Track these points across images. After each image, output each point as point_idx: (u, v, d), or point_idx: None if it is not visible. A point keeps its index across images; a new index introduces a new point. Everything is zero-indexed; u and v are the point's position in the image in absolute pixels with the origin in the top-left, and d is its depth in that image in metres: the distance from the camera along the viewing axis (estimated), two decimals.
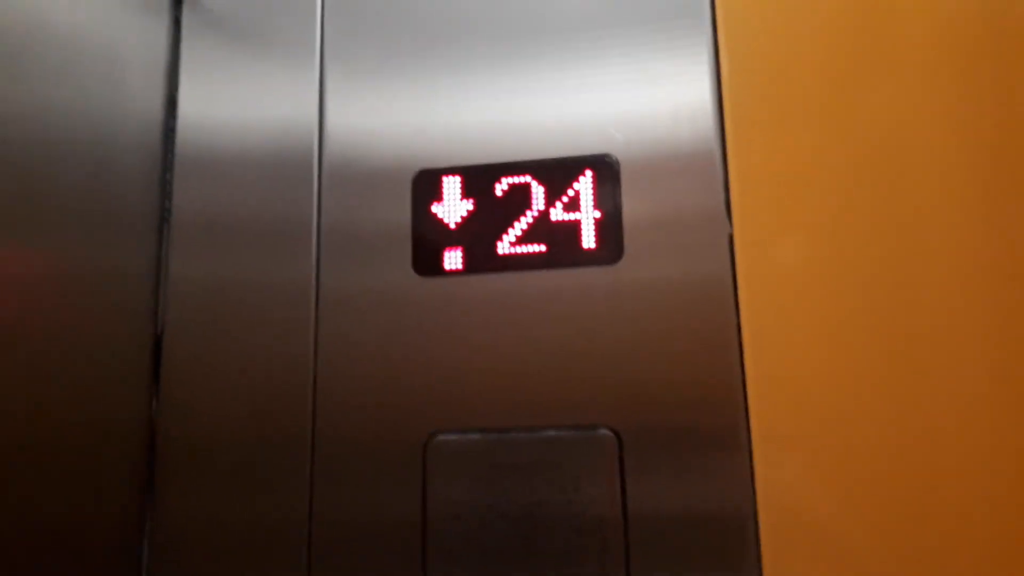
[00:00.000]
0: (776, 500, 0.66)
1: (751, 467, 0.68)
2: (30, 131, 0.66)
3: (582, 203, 0.76)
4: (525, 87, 0.80)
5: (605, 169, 0.76)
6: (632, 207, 0.75)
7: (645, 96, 0.77)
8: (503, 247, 0.76)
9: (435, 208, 0.78)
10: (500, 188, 0.78)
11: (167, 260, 0.81)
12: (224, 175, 0.82)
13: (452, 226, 0.78)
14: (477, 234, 0.77)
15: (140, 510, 0.75)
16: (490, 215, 0.77)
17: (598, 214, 0.76)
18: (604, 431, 0.71)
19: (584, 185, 0.76)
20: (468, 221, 0.78)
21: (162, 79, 0.85)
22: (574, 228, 0.76)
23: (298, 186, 0.81)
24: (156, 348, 0.79)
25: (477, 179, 0.78)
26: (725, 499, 0.68)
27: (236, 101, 0.84)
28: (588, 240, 0.75)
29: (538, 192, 0.77)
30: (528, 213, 0.77)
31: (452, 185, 0.79)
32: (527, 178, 0.78)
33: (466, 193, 0.78)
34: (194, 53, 0.86)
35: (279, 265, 0.79)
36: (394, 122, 0.81)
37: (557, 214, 0.76)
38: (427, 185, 0.79)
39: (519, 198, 0.77)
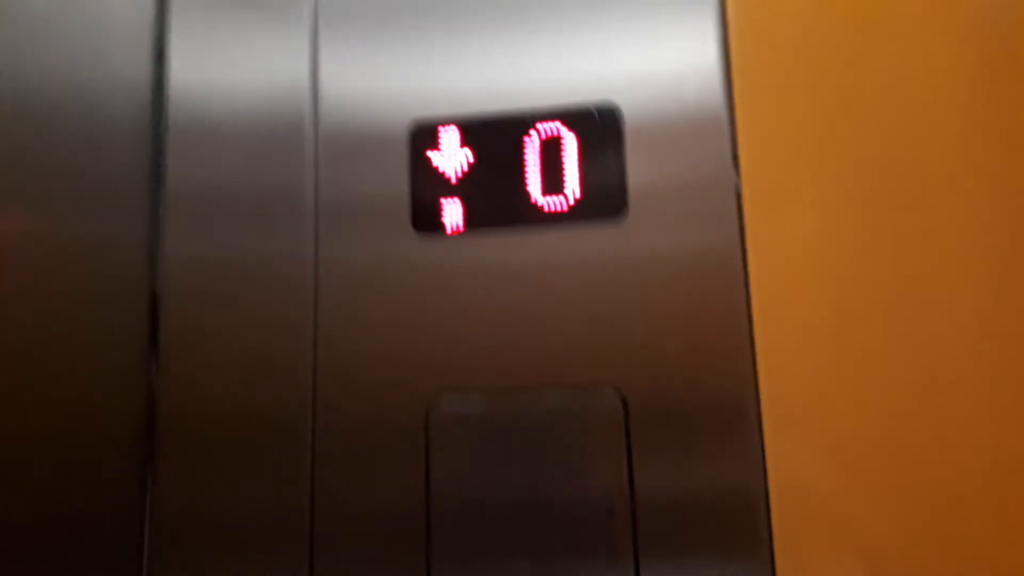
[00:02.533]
0: (787, 479, 0.65)
1: (761, 444, 0.66)
2: (13, 97, 0.65)
3: (584, 155, 0.74)
4: (524, 42, 0.77)
5: (607, 118, 0.74)
6: (636, 164, 0.72)
7: (649, 53, 0.74)
8: (504, 203, 0.74)
9: (434, 162, 0.76)
10: (500, 140, 0.75)
11: (162, 228, 0.79)
12: (217, 140, 0.80)
13: (452, 181, 0.76)
14: (477, 189, 0.75)
15: (140, 487, 0.74)
16: (490, 169, 0.75)
17: (600, 166, 0.73)
18: (610, 399, 0.70)
19: (586, 135, 0.74)
20: (468, 175, 0.76)
21: (150, 41, 0.82)
22: (575, 181, 0.73)
23: (293, 149, 0.79)
24: (153, 319, 0.78)
25: (476, 130, 0.76)
26: (735, 476, 0.66)
27: (228, 63, 0.81)
28: (590, 194, 0.73)
29: (539, 144, 0.75)
30: (529, 166, 0.75)
31: (450, 137, 0.76)
32: (526, 128, 0.75)
33: (465, 145, 0.76)
34: (183, 12, 0.83)
35: (276, 232, 0.77)
36: (389, 78, 0.79)
37: (558, 166, 0.74)
38: (424, 137, 0.77)
39: (520, 150, 0.75)
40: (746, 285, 0.68)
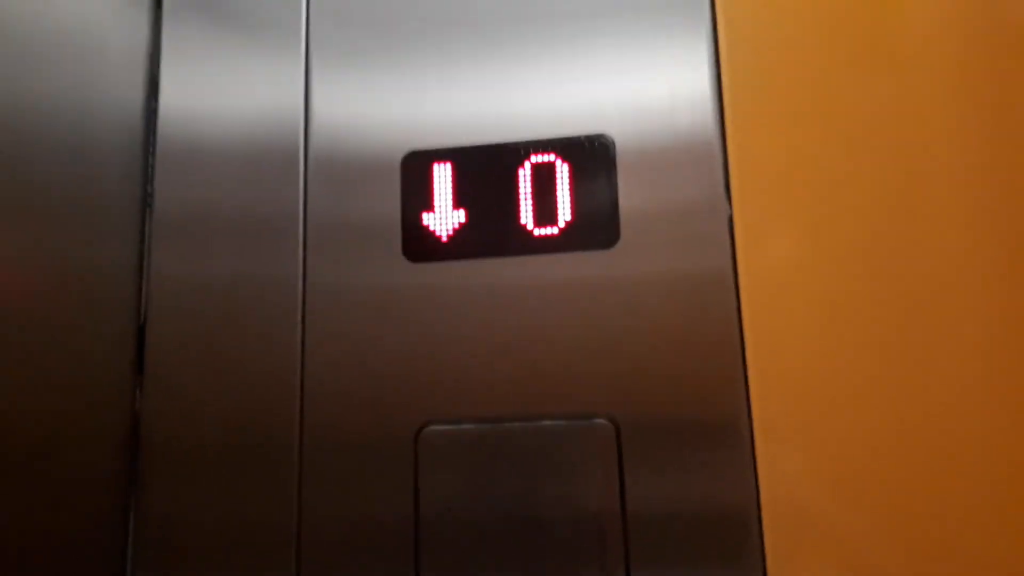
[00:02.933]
0: (779, 494, 0.65)
1: (753, 460, 0.66)
2: (3, 119, 0.64)
3: (576, 185, 0.74)
4: (517, 72, 0.78)
5: (600, 150, 0.75)
6: (628, 192, 0.73)
7: (642, 81, 0.75)
8: (495, 230, 0.75)
9: (425, 191, 0.76)
10: (492, 170, 0.76)
11: (149, 251, 0.79)
12: (207, 164, 0.80)
13: (444, 209, 0.76)
14: (469, 218, 0.75)
15: (124, 506, 0.74)
16: (482, 198, 0.75)
17: (593, 196, 0.74)
18: (601, 421, 0.70)
19: (578, 165, 0.74)
20: (459, 205, 0.76)
21: (143, 65, 0.82)
22: (567, 210, 0.74)
23: (283, 175, 0.79)
24: (139, 341, 0.77)
25: (468, 161, 0.76)
26: (727, 493, 0.67)
27: (219, 88, 0.82)
28: (583, 224, 0.73)
29: (530, 174, 0.75)
30: (521, 195, 0.75)
31: (443, 168, 0.77)
32: (520, 159, 0.76)
33: (457, 176, 0.76)
34: (176, 38, 0.83)
35: (264, 256, 0.77)
36: (382, 108, 0.79)
37: (551, 197, 0.74)
38: (416, 168, 0.77)
39: (512, 180, 0.75)
40: (738, 309, 0.69)
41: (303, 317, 0.75)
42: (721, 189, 0.72)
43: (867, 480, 0.64)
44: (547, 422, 0.70)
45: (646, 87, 0.75)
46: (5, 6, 0.64)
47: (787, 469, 0.66)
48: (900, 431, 0.65)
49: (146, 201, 0.80)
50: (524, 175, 0.75)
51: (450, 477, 0.70)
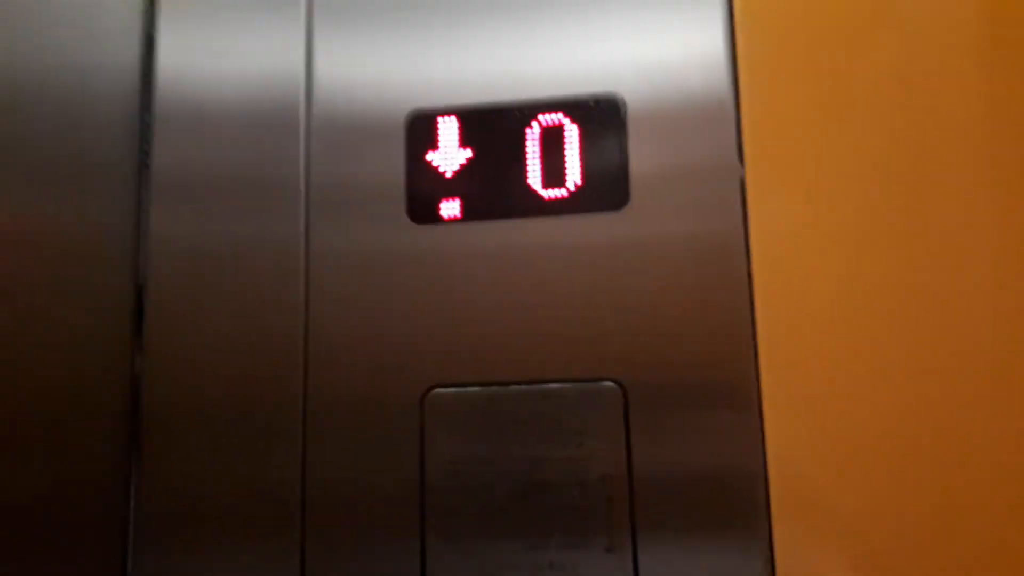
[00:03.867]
0: (786, 461, 0.65)
1: (761, 427, 0.66)
2: None
3: (584, 145, 0.73)
4: (526, 31, 0.76)
5: (610, 110, 0.73)
6: (639, 153, 0.72)
7: (653, 41, 0.74)
8: (502, 192, 0.73)
9: (431, 151, 0.75)
10: (499, 130, 0.75)
11: (147, 214, 0.77)
12: (206, 125, 0.78)
13: (449, 171, 0.75)
14: (475, 178, 0.74)
15: (125, 472, 0.73)
16: (489, 159, 0.74)
17: (603, 158, 0.72)
18: (609, 384, 0.69)
19: (588, 126, 0.73)
20: (466, 165, 0.74)
21: (139, 21, 0.81)
22: (576, 172, 0.73)
23: (284, 136, 0.77)
24: (138, 305, 0.76)
25: (475, 120, 0.75)
26: (734, 459, 0.66)
27: (218, 47, 0.80)
28: (592, 185, 0.72)
29: (539, 134, 0.74)
30: (529, 156, 0.74)
31: (448, 127, 0.75)
32: (528, 119, 0.74)
33: (463, 135, 0.75)
34: None
35: (266, 218, 0.76)
36: (386, 67, 0.77)
37: (558, 157, 0.73)
38: (422, 126, 0.76)
39: (519, 140, 0.74)
40: (748, 274, 0.68)
41: (306, 280, 0.74)
42: (733, 151, 0.71)
43: (874, 449, 0.64)
44: (554, 385, 0.70)
45: (658, 47, 0.74)
46: None
47: (794, 437, 0.65)
48: (910, 402, 0.64)
49: (144, 162, 0.79)
50: (532, 135, 0.74)
51: (456, 441, 0.70)
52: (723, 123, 0.71)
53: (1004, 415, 0.63)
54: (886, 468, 0.64)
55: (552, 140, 0.73)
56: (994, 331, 0.64)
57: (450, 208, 0.74)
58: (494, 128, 0.75)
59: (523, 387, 0.70)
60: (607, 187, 0.72)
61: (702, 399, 0.68)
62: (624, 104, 0.73)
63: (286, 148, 0.77)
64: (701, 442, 0.67)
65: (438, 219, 0.74)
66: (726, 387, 0.67)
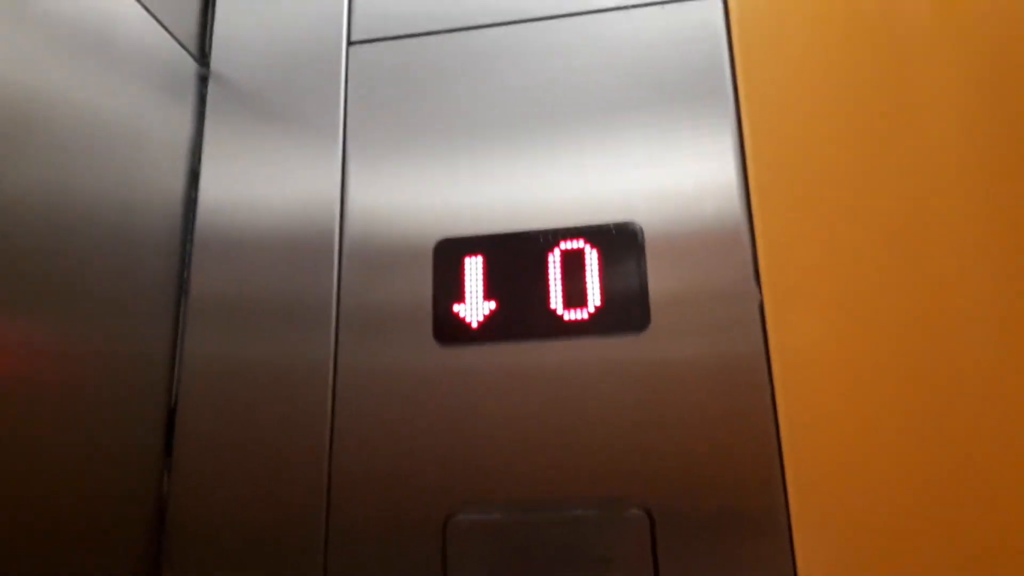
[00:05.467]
0: None
1: (792, 552, 0.64)
2: (51, 208, 0.67)
3: (605, 270, 0.75)
4: (546, 164, 0.80)
5: (628, 236, 0.76)
6: (658, 278, 0.74)
7: (668, 170, 0.77)
8: (526, 316, 0.75)
9: (456, 277, 0.77)
10: (522, 256, 0.77)
11: (183, 337, 0.80)
12: (243, 253, 0.82)
13: (474, 295, 0.77)
14: (499, 303, 0.76)
15: None
16: (512, 284, 0.76)
17: (623, 282, 0.74)
18: (636, 511, 0.68)
19: (608, 252, 0.75)
20: (490, 290, 0.77)
21: (185, 157, 0.86)
22: (598, 296, 0.74)
23: (318, 264, 0.80)
24: (169, 425, 0.77)
25: (498, 248, 0.78)
26: None
27: (258, 180, 0.85)
28: (612, 307, 0.74)
29: (560, 259, 0.76)
30: (551, 281, 0.76)
31: (474, 255, 0.78)
32: (550, 246, 0.77)
33: (488, 262, 0.77)
34: (218, 131, 0.87)
35: (296, 343, 0.78)
36: (415, 198, 0.81)
37: (580, 281, 0.75)
38: (448, 254, 0.78)
39: (541, 266, 0.76)
40: (772, 395, 0.68)
41: (333, 401, 0.76)
42: (750, 274, 0.72)
43: (909, 572, 0.62)
44: (579, 511, 0.69)
45: (672, 176, 0.77)
46: (54, 99, 0.68)
47: (826, 563, 0.63)
48: (943, 520, 0.62)
49: (182, 287, 0.82)
50: (554, 261, 0.76)
51: (478, 567, 0.68)
52: (739, 247, 0.73)
53: None
54: None
55: (573, 265, 0.76)
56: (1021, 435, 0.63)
57: (475, 331, 0.75)
58: (517, 254, 0.77)
59: (547, 513, 0.69)
60: (627, 310, 0.73)
61: (731, 525, 0.66)
62: (642, 231, 0.76)
63: (319, 273, 0.80)
64: (732, 567, 0.65)
65: (463, 341, 0.75)
66: (755, 513, 0.66)
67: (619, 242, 0.76)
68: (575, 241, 0.76)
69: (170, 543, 0.74)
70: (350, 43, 0.89)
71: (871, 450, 0.65)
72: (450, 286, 0.77)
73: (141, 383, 0.76)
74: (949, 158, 0.71)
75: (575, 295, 0.75)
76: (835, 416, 0.66)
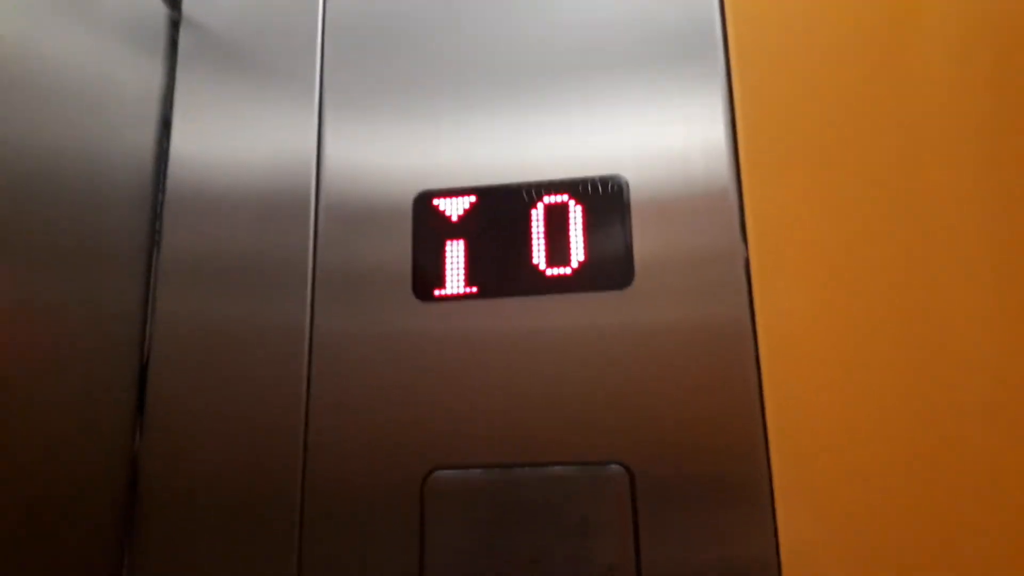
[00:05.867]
0: (800, 552, 0.63)
1: (773, 516, 0.64)
2: (16, 161, 0.64)
3: (589, 225, 0.74)
4: (531, 119, 0.78)
5: (614, 191, 0.74)
6: (643, 235, 0.73)
7: (656, 127, 0.76)
8: (507, 271, 0.74)
9: (437, 232, 0.76)
10: (505, 210, 0.75)
11: (155, 294, 0.78)
12: (217, 209, 0.80)
13: (456, 250, 0.75)
14: (480, 258, 0.74)
15: (119, 554, 0.71)
16: (494, 238, 0.75)
17: (607, 238, 0.73)
18: (615, 467, 0.67)
19: (592, 207, 0.74)
20: (471, 245, 0.75)
21: (156, 107, 0.83)
22: (580, 251, 0.73)
23: (294, 220, 0.78)
24: (141, 382, 0.76)
25: (480, 201, 0.76)
26: (747, 549, 0.64)
27: (232, 132, 0.82)
28: (596, 263, 0.72)
29: (544, 215, 0.75)
30: (534, 236, 0.74)
31: (455, 207, 0.76)
32: (533, 200, 0.75)
33: (469, 216, 0.76)
34: (190, 80, 0.84)
35: (271, 301, 0.76)
36: (396, 153, 0.79)
37: (563, 237, 0.74)
38: (428, 207, 0.77)
39: (524, 221, 0.75)
40: (756, 357, 0.67)
41: (310, 358, 0.74)
42: (737, 235, 0.71)
43: (888, 537, 0.62)
44: (558, 468, 0.68)
45: (661, 132, 0.75)
46: (18, 48, 0.65)
47: (807, 525, 0.63)
48: (923, 486, 0.63)
49: (154, 243, 0.80)
50: (537, 215, 0.75)
51: (458, 526, 0.68)
52: (726, 207, 0.72)
53: (1021, 492, 0.61)
54: (901, 554, 0.62)
55: (556, 220, 0.74)
56: (1005, 409, 0.63)
57: (455, 285, 0.74)
58: (500, 208, 0.75)
59: (527, 469, 0.68)
60: (611, 266, 0.72)
61: (712, 485, 0.66)
62: (627, 186, 0.74)
63: (295, 230, 0.78)
64: (712, 529, 0.65)
65: (443, 297, 0.74)
66: (737, 476, 0.65)
67: (604, 197, 0.74)
68: (559, 195, 0.75)
69: (142, 503, 0.72)
70: None
71: (856, 417, 0.65)
72: (430, 237, 0.76)
73: (112, 340, 0.74)
74: (944, 121, 0.70)
75: (558, 251, 0.73)
76: (820, 382, 0.66)
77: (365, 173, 0.79)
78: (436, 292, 0.74)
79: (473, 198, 0.76)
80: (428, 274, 0.75)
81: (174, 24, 0.86)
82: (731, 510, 0.65)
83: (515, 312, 0.72)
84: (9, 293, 0.63)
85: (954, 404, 0.64)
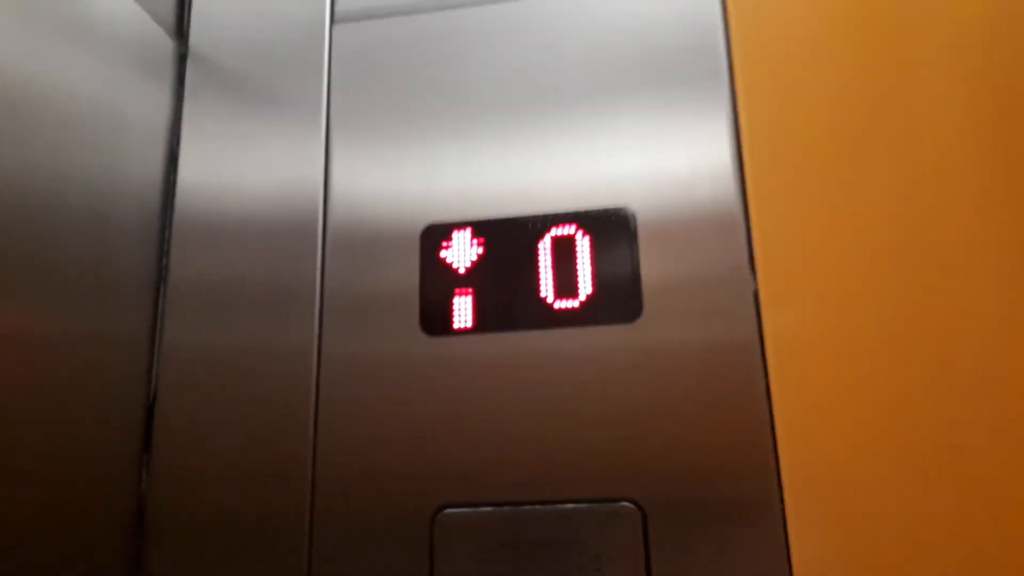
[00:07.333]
0: (813, 573, 0.62)
1: (786, 545, 0.63)
2: (23, 193, 0.64)
3: (597, 257, 0.73)
4: (537, 148, 0.78)
5: (620, 222, 0.74)
6: (651, 265, 0.72)
7: (662, 155, 0.75)
8: (515, 305, 0.73)
9: (444, 266, 0.75)
10: (512, 242, 0.75)
11: (162, 325, 0.78)
12: (224, 238, 0.80)
13: (463, 282, 0.75)
14: (488, 292, 0.74)
15: None
16: (501, 272, 0.74)
17: (615, 269, 0.72)
18: (626, 504, 0.66)
19: (600, 238, 0.74)
20: (480, 277, 0.75)
21: (163, 138, 0.83)
22: (589, 284, 0.72)
23: (301, 249, 0.78)
24: (148, 415, 0.75)
25: (487, 235, 0.76)
26: (760, 574, 0.63)
27: (239, 163, 0.82)
28: (605, 296, 0.72)
29: (551, 247, 0.74)
30: (541, 269, 0.74)
31: (462, 241, 0.76)
32: (541, 232, 0.75)
33: (477, 247, 0.75)
34: (197, 112, 0.85)
35: (279, 331, 0.76)
36: (402, 182, 0.79)
37: (571, 269, 0.73)
38: (435, 241, 0.76)
39: (532, 254, 0.74)
40: (766, 385, 0.67)
41: (317, 392, 0.74)
42: (745, 261, 0.70)
43: (902, 560, 0.61)
44: (569, 505, 0.67)
45: (666, 160, 0.75)
46: (27, 79, 0.65)
47: (820, 549, 0.62)
48: (937, 509, 0.62)
49: (161, 274, 0.80)
50: (544, 248, 0.74)
51: (467, 564, 0.67)
52: (733, 233, 0.71)
53: None
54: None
55: (564, 251, 0.74)
56: (1020, 430, 0.62)
57: (462, 320, 0.73)
58: (507, 240, 0.75)
59: (537, 507, 0.68)
60: (620, 299, 0.72)
61: (724, 517, 0.65)
62: (634, 217, 0.74)
63: (302, 259, 0.78)
64: (725, 562, 0.64)
65: (450, 331, 0.73)
66: (749, 503, 0.65)
67: (612, 228, 0.74)
68: (567, 227, 0.74)
69: (149, 541, 0.72)
70: (333, 21, 0.86)
71: (866, 439, 0.64)
72: (437, 272, 0.75)
73: (118, 373, 0.74)
74: (951, 143, 0.70)
75: (566, 283, 0.73)
76: (830, 405, 0.65)
77: (372, 202, 0.79)
78: (444, 327, 0.73)
79: (480, 231, 0.76)
80: (435, 309, 0.74)
81: (181, 58, 0.86)
82: (743, 536, 0.64)
83: (522, 346, 0.72)
84: (16, 325, 0.63)
85: (963, 424, 0.63)
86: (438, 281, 0.75)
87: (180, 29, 0.87)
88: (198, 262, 0.79)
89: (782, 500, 0.64)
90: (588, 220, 0.74)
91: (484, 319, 0.73)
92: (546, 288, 0.73)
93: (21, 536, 0.62)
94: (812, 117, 0.73)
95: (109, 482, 0.72)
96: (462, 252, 0.75)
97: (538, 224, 0.75)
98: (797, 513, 0.63)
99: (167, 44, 0.85)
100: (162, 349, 0.77)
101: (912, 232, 0.68)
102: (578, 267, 0.73)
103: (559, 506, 0.67)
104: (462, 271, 0.75)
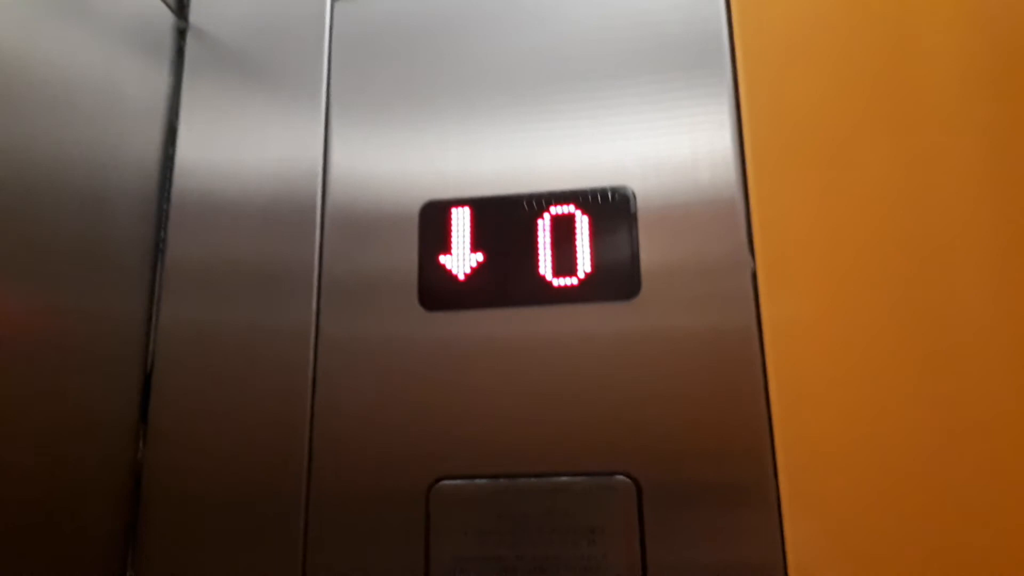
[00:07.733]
0: (806, 560, 0.63)
1: (780, 524, 0.64)
2: (20, 169, 0.64)
3: (596, 236, 0.74)
4: (537, 129, 0.78)
5: (620, 202, 0.74)
6: (650, 246, 0.73)
7: (663, 137, 0.76)
8: (514, 281, 0.74)
9: (443, 241, 0.76)
10: (511, 220, 0.75)
11: (160, 301, 0.78)
12: (222, 216, 0.80)
13: (462, 259, 0.75)
14: (487, 268, 0.74)
15: (122, 561, 0.71)
16: (500, 249, 0.75)
17: (613, 248, 0.73)
18: (621, 478, 0.67)
19: (599, 218, 0.74)
20: (477, 254, 0.75)
21: (162, 114, 0.83)
22: (588, 262, 0.73)
23: (300, 228, 0.78)
24: (145, 391, 0.76)
25: (487, 211, 0.76)
26: (753, 557, 0.64)
27: (238, 141, 0.82)
28: (603, 275, 0.72)
29: (550, 225, 0.75)
30: (540, 246, 0.74)
31: (461, 216, 0.76)
32: (539, 211, 0.75)
33: (476, 225, 0.76)
34: (196, 89, 0.85)
35: (276, 308, 0.76)
36: (401, 161, 0.79)
37: (570, 247, 0.74)
38: (435, 217, 0.77)
39: (530, 231, 0.75)
40: (763, 367, 0.67)
41: (315, 367, 0.74)
42: (744, 244, 0.71)
43: (896, 545, 0.62)
44: (565, 478, 0.68)
45: (667, 143, 0.75)
46: (23, 52, 0.65)
47: (814, 533, 0.63)
48: (932, 496, 0.62)
49: (159, 250, 0.80)
50: (543, 226, 0.75)
51: (463, 536, 0.68)
52: (733, 217, 0.72)
53: None
54: (908, 564, 0.61)
55: (563, 230, 0.74)
56: (1018, 421, 0.63)
57: (461, 296, 0.74)
58: (506, 219, 0.75)
59: (533, 480, 0.68)
60: (617, 277, 0.72)
61: (719, 495, 0.66)
62: (634, 196, 0.74)
63: (301, 237, 0.78)
64: (719, 540, 0.65)
65: (449, 306, 0.74)
66: (744, 484, 0.65)
67: (611, 208, 0.74)
68: (565, 206, 0.75)
69: (145, 510, 0.72)
70: None
71: (863, 425, 0.65)
72: (436, 247, 0.76)
73: (116, 347, 0.74)
74: (950, 129, 0.70)
75: (565, 261, 0.73)
76: (827, 390, 0.66)
77: (371, 181, 0.79)
78: (442, 301, 0.74)
79: (479, 209, 0.76)
80: (435, 284, 0.75)
81: (180, 33, 0.86)
82: (738, 518, 0.65)
83: (521, 322, 0.72)
84: (13, 300, 0.63)
85: (962, 413, 0.64)
86: (437, 257, 0.75)
87: (180, 3, 0.87)
88: (196, 240, 0.79)
89: (777, 482, 0.65)
90: (587, 199, 0.75)
91: (482, 294, 0.74)
92: (545, 266, 0.73)
93: (18, 508, 0.62)
94: (813, 103, 0.73)
95: (107, 452, 0.72)
96: (461, 229, 0.76)
97: (538, 202, 0.75)
98: (791, 496, 0.64)
99: (167, 18, 0.85)
100: (159, 324, 0.77)
101: (910, 217, 0.68)
102: (577, 245, 0.74)
103: (555, 479, 0.68)
104: (461, 248, 0.75)
